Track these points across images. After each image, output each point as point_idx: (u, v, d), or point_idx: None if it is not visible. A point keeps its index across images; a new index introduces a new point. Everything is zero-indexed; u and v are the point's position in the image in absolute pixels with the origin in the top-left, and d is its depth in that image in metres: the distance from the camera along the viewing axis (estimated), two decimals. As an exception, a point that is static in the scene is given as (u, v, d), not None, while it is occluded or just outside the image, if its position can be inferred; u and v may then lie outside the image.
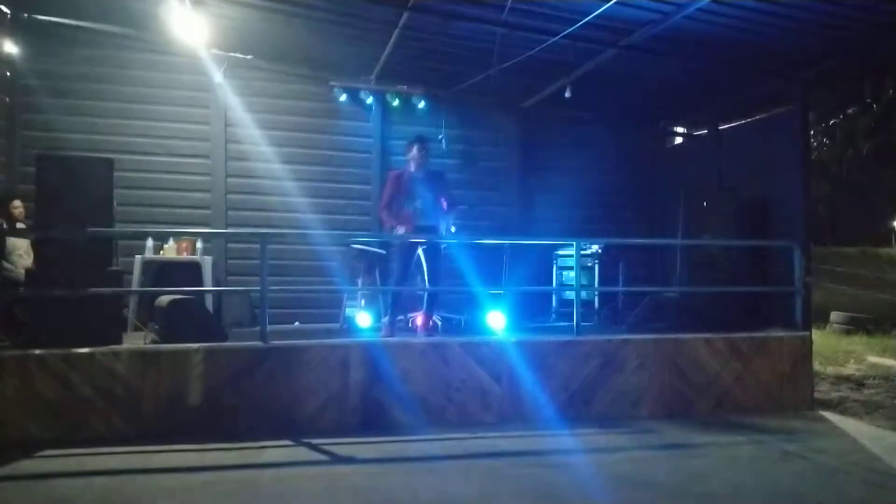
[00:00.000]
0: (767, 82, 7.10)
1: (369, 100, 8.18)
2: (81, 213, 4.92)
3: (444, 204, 5.95)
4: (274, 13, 6.59)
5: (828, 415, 5.72)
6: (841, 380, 7.30)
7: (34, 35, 7.14)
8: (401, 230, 5.83)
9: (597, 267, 7.49)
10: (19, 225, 6.29)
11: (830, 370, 7.81)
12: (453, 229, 6.20)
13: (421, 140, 5.98)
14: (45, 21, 7.02)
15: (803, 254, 6.17)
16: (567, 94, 7.29)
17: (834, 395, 6.56)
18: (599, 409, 5.44)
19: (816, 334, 6.69)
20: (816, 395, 6.22)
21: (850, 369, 8.03)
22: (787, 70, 6.69)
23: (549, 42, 6.17)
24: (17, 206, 6.33)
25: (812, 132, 7.22)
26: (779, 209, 7.00)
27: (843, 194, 22.47)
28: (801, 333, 6.06)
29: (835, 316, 11.51)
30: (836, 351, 9.06)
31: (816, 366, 6.86)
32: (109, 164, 5.24)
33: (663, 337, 5.75)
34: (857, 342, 9.86)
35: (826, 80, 7.06)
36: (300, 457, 4.34)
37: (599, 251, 7.44)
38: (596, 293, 7.58)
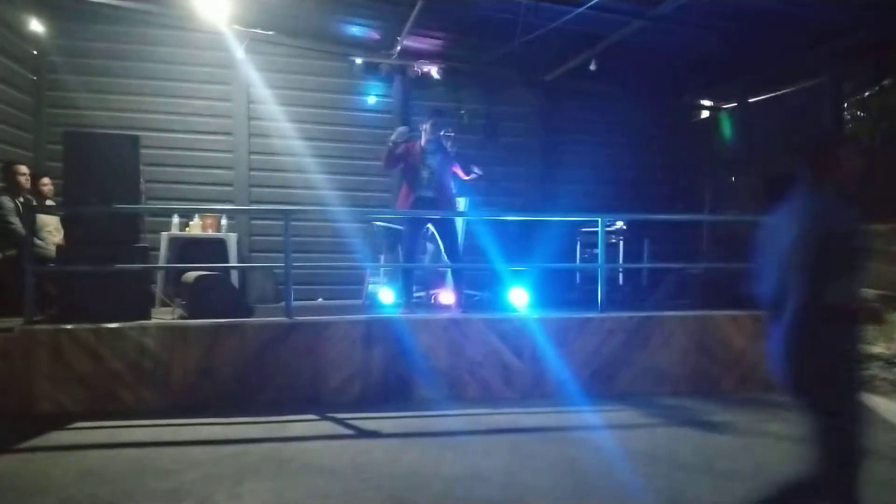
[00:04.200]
0: (799, 54, 6.90)
1: (391, 75, 8.12)
2: (109, 190, 4.98)
3: (461, 172, 5.97)
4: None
5: (856, 393, 5.62)
6: (870, 358, 7.16)
7: (59, 13, 7.20)
8: (401, 197, 5.94)
9: (621, 243, 7.40)
10: (49, 202, 6.39)
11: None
12: (476, 172, 6.14)
13: (437, 114, 6.04)
14: (70, -1, 7.07)
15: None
16: (592, 67, 7.16)
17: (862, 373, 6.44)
18: (623, 385, 5.42)
19: (846, 312, 6.55)
20: (845, 373, 6.11)
21: (880, 347, 7.85)
22: (820, 41, 6.49)
23: (575, 13, 6.05)
24: (46, 183, 6.43)
25: (844, 105, 7.02)
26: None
27: (875, 169, 21.91)
28: (830, 311, 5.94)
29: (865, 293, 11.29)
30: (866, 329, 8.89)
31: (845, 344, 6.73)
32: (135, 140, 5.29)
33: (688, 314, 5.69)
34: (887, 320, 9.66)
35: (860, 51, 6.83)
36: (325, 431, 4.39)
37: (624, 227, 7.34)
38: (620, 270, 7.51)
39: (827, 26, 6.22)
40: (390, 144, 5.90)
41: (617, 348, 5.45)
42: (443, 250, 6.04)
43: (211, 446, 3.97)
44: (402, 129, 6.05)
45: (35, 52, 7.26)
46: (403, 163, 5.91)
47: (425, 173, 5.86)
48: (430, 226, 6.02)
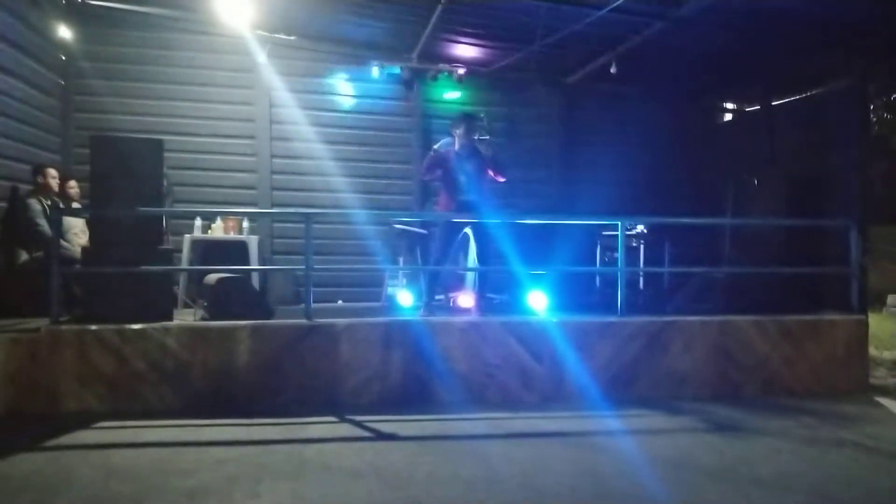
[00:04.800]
0: (824, 55, 6.78)
1: (411, 78, 8.14)
2: (133, 193, 5.06)
3: (496, 175, 6.04)
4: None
5: (884, 401, 5.51)
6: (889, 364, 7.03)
7: (87, 19, 7.33)
8: (441, 203, 6.04)
9: (642, 247, 7.34)
10: (75, 204, 6.51)
11: (887, 355, 7.53)
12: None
13: (468, 118, 6.06)
14: (97, 5, 7.21)
15: (860, 234, 5.93)
16: (613, 70, 7.12)
17: (890, 380, 6.32)
18: (643, 390, 5.37)
19: (872, 317, 6.43)
20: (872, 380, 6.00)
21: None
22: (846, 41, 6.38)
23: (596, 16, 6.02)
24: (73, 186, 6.56)
25: (871, 106, 6.90)
26: (834, 187, 6.72)
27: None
28: (856, 317, 5.85)
29: (892, 299, 11.08)
30: (893, 335, 8.72)
31: (872, 350, 6.61)
32: (159, 144, 5.37)
33: (710, 318, 5.63)
34: None
35: (885, 51, 6.71)
36: (344, 433, 4.41)
37: (645, 231, 7.28)
38: (640, 274, 7.44)
39: (851, 26, 6.11)
40: (431, 154, 6.01)
41: (638, 352, 5.41)
42: (475, 254, 6.06)
43: (232, 446, 4.01)
44: (445, 140, 6.12)
45: (63, 58, 7.39)
46: (441, 169, 5.99)
47: (462, 178, 5.93)
48: (467, 230, 6.04)
